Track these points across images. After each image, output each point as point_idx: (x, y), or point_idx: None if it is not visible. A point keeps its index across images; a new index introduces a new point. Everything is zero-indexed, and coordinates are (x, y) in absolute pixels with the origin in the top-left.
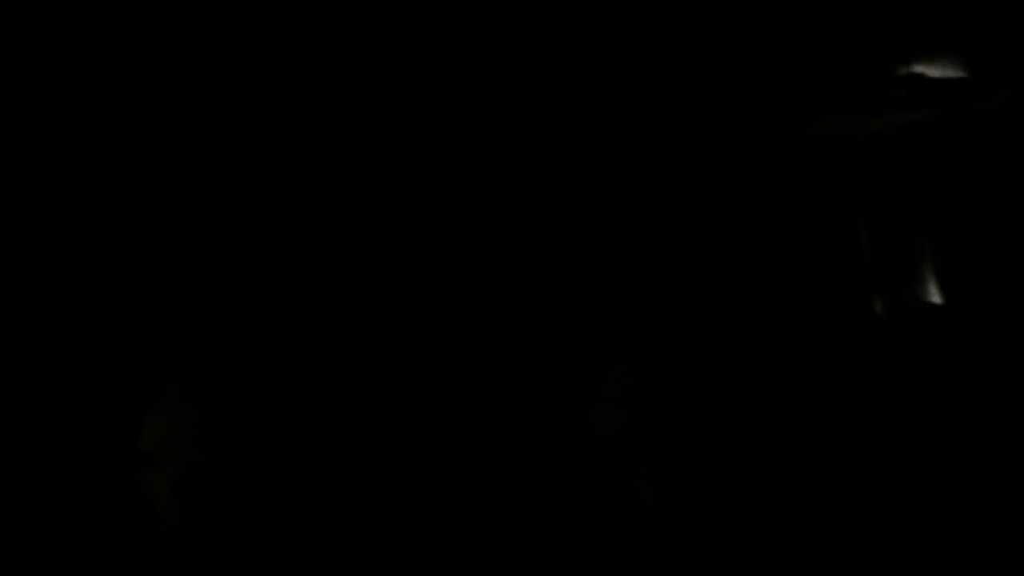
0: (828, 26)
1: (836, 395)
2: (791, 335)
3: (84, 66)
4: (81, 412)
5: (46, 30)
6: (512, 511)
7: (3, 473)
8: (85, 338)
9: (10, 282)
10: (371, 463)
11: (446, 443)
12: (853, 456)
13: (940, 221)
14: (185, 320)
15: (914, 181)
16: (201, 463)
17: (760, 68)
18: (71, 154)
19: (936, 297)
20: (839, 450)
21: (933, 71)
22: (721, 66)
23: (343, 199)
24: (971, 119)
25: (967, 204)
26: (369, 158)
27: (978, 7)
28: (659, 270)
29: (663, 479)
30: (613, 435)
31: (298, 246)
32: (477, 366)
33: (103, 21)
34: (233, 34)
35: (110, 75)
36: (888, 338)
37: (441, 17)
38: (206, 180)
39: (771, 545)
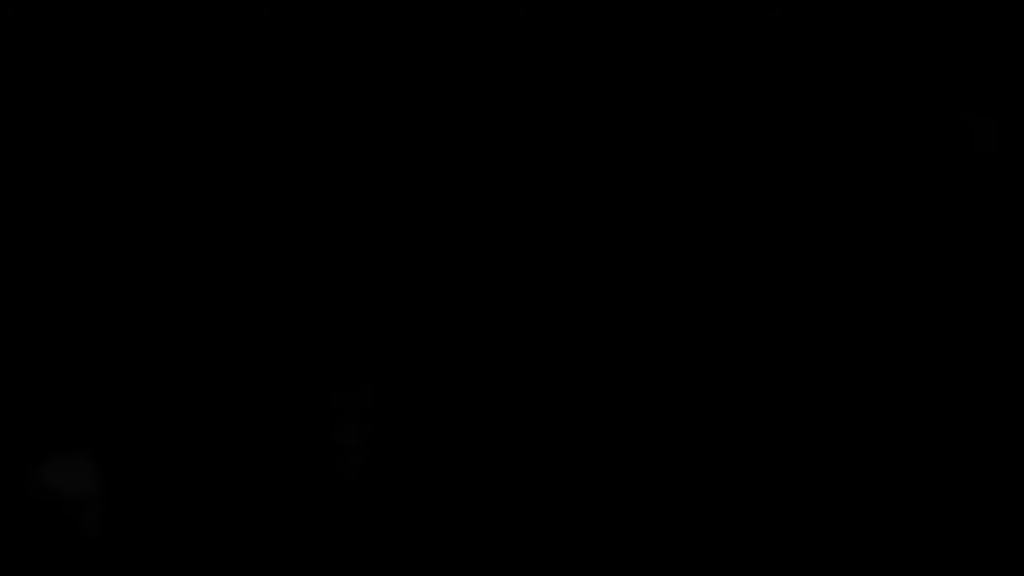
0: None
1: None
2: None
3: (87, 66)
4: (296, 386)
5: (46, 30)
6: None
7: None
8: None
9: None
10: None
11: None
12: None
13: None
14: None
15: None
16: (379, 423)
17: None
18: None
19: None
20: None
21: None
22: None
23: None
24: None
25: None
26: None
27: None
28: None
29: None
30: None
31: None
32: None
33: (103, 21)
34: (233, 34)
35: (120, 75)
36: None
37: (441, 17)
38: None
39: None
